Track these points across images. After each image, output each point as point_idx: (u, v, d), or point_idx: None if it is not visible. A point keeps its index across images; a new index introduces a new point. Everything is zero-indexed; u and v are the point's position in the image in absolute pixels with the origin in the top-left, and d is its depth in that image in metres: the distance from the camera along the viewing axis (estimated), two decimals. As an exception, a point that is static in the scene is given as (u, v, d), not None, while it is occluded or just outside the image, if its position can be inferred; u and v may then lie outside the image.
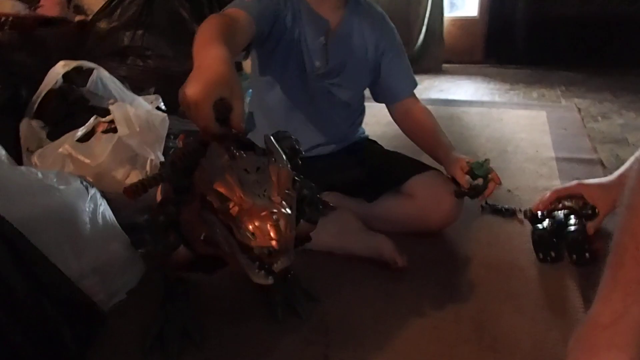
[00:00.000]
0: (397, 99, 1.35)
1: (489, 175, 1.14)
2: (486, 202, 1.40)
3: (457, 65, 3.99)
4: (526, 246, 1.19)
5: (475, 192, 1.15)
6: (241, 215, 0.60)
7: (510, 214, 1.37)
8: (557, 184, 1.54)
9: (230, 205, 0.60)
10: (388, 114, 1.39)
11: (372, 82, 1.35)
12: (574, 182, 1.23)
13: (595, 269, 0.97)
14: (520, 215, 1.36)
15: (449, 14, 3.94)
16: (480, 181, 1.15)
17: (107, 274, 1.00)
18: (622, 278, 0.64)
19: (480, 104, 2.76)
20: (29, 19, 1.81)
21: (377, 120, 2.00)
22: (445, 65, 3.90)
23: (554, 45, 3.74)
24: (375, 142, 1.45)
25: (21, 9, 1.85)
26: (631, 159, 1.13)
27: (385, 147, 1.42)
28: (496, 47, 3.96)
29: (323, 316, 0.96)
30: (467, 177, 1.16)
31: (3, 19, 1.70)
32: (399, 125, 1.39)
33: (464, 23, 4.05)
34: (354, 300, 1.01)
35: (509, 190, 1.52)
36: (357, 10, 1.27)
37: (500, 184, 1.16)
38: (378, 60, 1.30)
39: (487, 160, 1.15)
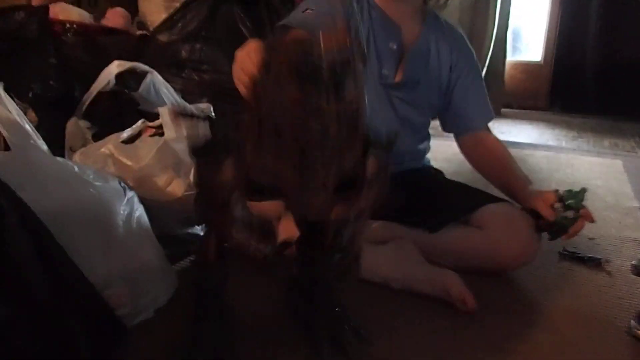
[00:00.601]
0: (469, 129, 1.23)
1: (581, 210, 0.96)
2: (565, 249, 1.21)
3: (517, 110, 3.81)
4: (620, 302, 1.00)
5: (560, 227, 0.97)
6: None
7: (594, 264, 1.18)
8: (646, 235, 1.34)
9: None
10: (447, 148, 1.26)
11: (442, 107, 1.23)
12: None
13: None
14: (608, 267, 1.16)
15: (511, 57, 3.80)
16: (569, 215, 0.97)
17: (136, 285, 0.91)
18: None
19: (547, 147, 2.57)
20: (93, 27, 1.83)
21: (433, 155, 1.86)
22: (504, 110, 3.73)
23: (625, 94, 3.52)
24: (440, 171, 1.31)
25: (87, 18, 1.87)
26: None
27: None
28: (561, 94, 3.76)
29: (374, 359, 0.82)
30: (557, 204, 0.98)
31: (68, 25, 1.71)
32: (466, 156, 1.26)
33: (527, 68, 3.90)
34: (409, 343, 0.87)
35: (591, 239, 1.31)
36: (435, 27, 1.19)
37: (593, 221, 0.98)
38: (451, 84, 1.20)
39: (583, 190, 0.98)
